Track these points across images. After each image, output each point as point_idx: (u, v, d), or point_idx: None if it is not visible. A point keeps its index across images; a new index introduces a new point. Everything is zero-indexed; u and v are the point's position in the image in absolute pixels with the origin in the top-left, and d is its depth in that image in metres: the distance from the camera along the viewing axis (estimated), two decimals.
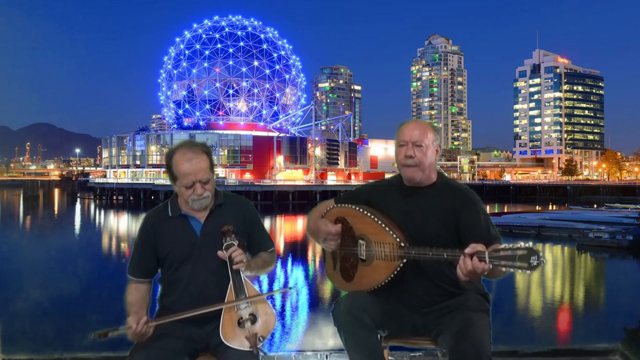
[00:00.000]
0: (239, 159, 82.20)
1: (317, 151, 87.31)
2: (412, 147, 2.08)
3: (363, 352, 2.04)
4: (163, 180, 70.74)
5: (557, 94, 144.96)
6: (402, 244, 2.02)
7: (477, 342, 1.90)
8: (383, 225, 2.07)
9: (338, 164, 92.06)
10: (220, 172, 75.32)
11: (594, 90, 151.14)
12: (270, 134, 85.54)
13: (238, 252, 2.00)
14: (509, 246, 1.73)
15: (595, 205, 51.34)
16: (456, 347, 1.91)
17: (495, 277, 1.92)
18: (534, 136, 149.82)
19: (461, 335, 1.92)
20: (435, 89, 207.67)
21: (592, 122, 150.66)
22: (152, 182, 74.32)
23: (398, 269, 2.03)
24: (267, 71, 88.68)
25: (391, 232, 2.05)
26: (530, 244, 1.69)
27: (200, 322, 2.04)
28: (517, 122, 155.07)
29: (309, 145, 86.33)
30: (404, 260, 2.02)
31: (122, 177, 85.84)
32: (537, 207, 55.30)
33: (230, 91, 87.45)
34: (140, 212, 51.08)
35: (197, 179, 2.03)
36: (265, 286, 15.83)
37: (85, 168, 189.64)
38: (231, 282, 2.02)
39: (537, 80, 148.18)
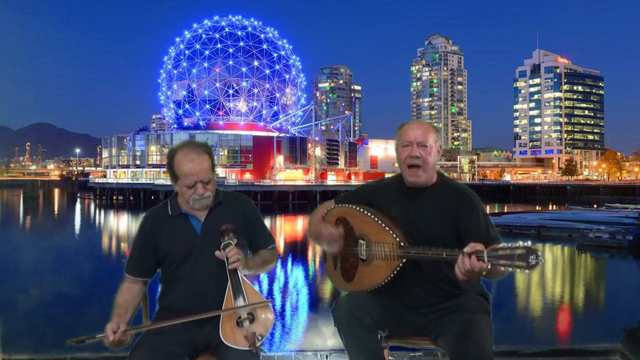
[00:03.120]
0: (239, 159, 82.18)
1: (317, 151, 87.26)
2: (417, 147, 2.07)
3: (363, 352, 2.04)
4: (163, 180, 70.80)
5: (557, 94, 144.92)
6: (402, 244, 2.02)
7: (479, 343, 1.89)
8: (383, 225, 2.07)
9: (338, 164, 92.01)
10: (220, 172, 75.17)
11: (594, 90, 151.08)
12: (270, 134, 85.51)
13: (234, 252, 1.99)
14: (507, 245, 1.73)
15: (595, 205, 51.30)
16: (458, 349, 1.90)
17: (494, 277, 1.91)
18: (534, 136, 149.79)
19: (463, 337, 1.91)
20: (435, 89, 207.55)
21: (592, 122, 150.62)
22: (152, 182, 74.33)
23: (398, 268, 2.03)
24: (267, 71, 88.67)
25: (391, 232, 2.04)
26: (529, 243, 1.69)
27: (201, 322, 2.03)
28: (517, 122, 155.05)
29: (309, 145, 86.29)
30: (404, 260, 2.01)
31: (122, 177, 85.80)
32: (537, 207, 55.28)
33: (230, 91, 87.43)
34: (140, 212, 51.03)
35: (199, 179, 2.04)
36: (265, 286, 15.83)
37: (85, 168, 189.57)
38: (229, 282, 2.01)
39: (537, 80, 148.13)
